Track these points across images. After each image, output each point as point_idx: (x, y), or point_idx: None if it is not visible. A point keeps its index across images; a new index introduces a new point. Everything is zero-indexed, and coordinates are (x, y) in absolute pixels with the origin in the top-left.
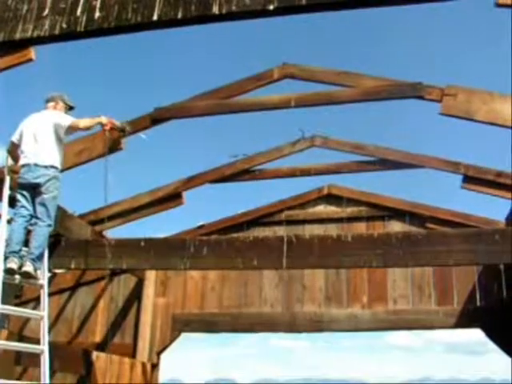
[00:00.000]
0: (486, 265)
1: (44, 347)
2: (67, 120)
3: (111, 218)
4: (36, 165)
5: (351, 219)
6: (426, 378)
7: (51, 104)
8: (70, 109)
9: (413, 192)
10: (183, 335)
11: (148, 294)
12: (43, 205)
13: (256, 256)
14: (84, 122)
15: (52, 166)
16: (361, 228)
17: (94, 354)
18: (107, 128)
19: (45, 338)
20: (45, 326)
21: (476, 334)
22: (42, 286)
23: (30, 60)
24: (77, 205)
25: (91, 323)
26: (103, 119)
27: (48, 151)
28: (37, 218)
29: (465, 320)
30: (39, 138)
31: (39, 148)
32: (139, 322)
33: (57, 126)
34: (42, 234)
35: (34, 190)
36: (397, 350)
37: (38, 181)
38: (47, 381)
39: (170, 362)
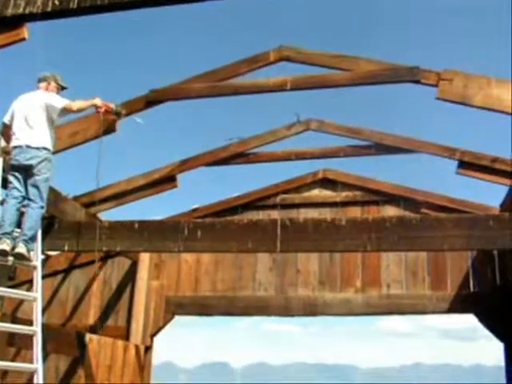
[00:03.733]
0: (479, 250)
1: (37, 329)
2: (60, 102)
3: (105, 200)
4: (28, 146)
5: (346, 203)
6: (418, 364)
7: (43, 84)
8: (62, 89)
9: (408, 177)
10: (177, 318)
11: (142, 277)
12: (35, 186)
13: (250, 239)
14: (78, 104)
15: (44, 148)
16: (355, 212)
17: (88, 336)
18: (101, 110)
19: (38, 319)
20: (38, 307)
21: (468, 320)
22: (35, 268)
23: (23, 39)
24: (71, 187)
25: (85, 306)
26: (97, 101)
27: (40, 133)
28: (29, 199)
29: (458, 305)
30: (31, 120)
31: (31, 129)
32: (133, 304)
33: (49, 107)
34: (34, 215)
35: (26, 171)
36: (389, 335)
37: (30, 162)
38: (40, 362)
39: (163, 345)
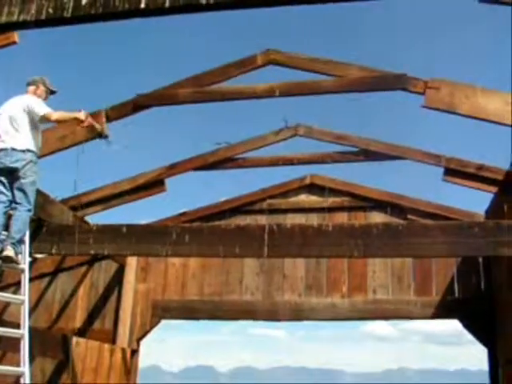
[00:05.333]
0: (464, 257)
1: (24, 332)
2: (42, 110)
3: (93, 203)
4: (13, 149)
5: (333, 209)
6: (403, 368)
7: (32, 88)
8: (51, 93)
9: (395, 183)
10: (163, 322)
11: (129, 280)
12: (21, 190)
13: (238, 244)
14: (57, 115)
15: (29, 150)
16: (342, 218)
17: (74, 339)
18: (84, 125)
19: (25, 322)
20: (25, 310)
21: (453, 325)
22: (23, 271)
23: (14, 43)
24: (59, 190)
25: (71, 309)
26: (81, 115)
27: (24, 135)
28: (16, 202)
29: (442, 311)
30: (16, 123)
31: (16, 132)
32: (119, 307)
33: (31, 112)
34: (21, 218)
35: (11, 174)
36: (373, 339)
37: (15, 165)
38: (27, 365)
39: (149, 348)
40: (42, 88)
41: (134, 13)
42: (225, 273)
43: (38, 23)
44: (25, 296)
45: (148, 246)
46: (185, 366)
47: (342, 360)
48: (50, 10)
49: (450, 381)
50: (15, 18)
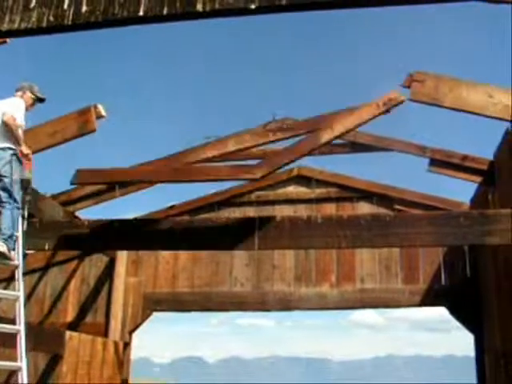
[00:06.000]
0: (451, 245)
1: (20, 327)
2: (8, 115)
3: (83, 198)
4: None
5: (320, 200)
6: (391, 355)
7: (19, 93)
8: (40, 101)
9: (382, 174)
10: (153, 315)
11: (119, 274)
12: (5, 189)
13: (228, 237)
14: (15, 128)
15: (9, 148)
16: (330, 209)
17: (67, 333)
18: (22, 158)
19: (21, 318)
20: (21, 306)
21: (439, 312)
22: (17, 267)
23: (4, 42)
24: (49, 186)
25: (63, 303)
26: (25, 149)
27: (5, 134)
28: (2, 202)
29: (430, 298)
30: None
31: None
32: (111, 301)
33: (3, 113)
34: (9, 215)
35: None
36: (361, 328)
37: None
38: (24, 360)
39: (139, 341)
40: (28, 94)
41: (133, 20)
42: (214, 265)
43: (39, 31)
44: (20, 292)
45: (139, 241)
46: (174, 358)
47: (330, 349)
48: (51, 18)
49: (437, 366)
50: (16, 25)
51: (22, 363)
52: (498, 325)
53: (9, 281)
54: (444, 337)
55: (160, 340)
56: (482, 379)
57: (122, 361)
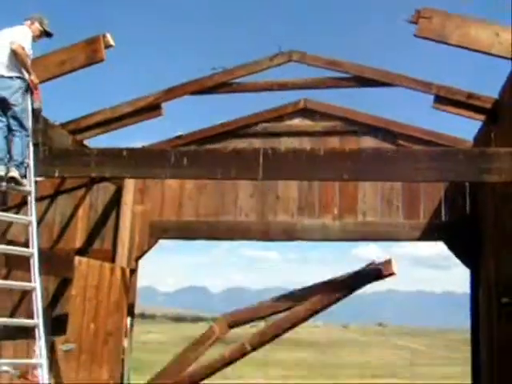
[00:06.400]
0: (451, 181)
1: (33, 250)
2: (16, 44)
3: (92, 127)
4: (1, 76)
5: (325, 133)
6: (391, 291)
7: (27, 22)
8: (47, 35)
9: (387, 110)
10: (159, 244)
11: (126, 202)
12: (15, 118)
13: (234, 167)
14: (23, 57)
15: (18, 77)
16: (334, 142)
17: (76, 258)
18: (32, 86)
19: (34, 242)
20: (33, 229)
21: (440, 249)
22: (29, 193)
23: None
24: (58, 114)
25: (71, 230)
26: (34, 79)
27: (13, 63)
28: (12, 130)
29: (429, 233)
30: (3, 51)
31: (5, 60)
32: (118, 228)
33: (11, 42)
34: (20, 143)
35: (2, 103)
36: (363, 263)
37: (3, 94)
38: (37, 281)
39: (144, 270)
40: (36, 25)
41: None
42: (220, 195)
43: None
44: (32, 217)
45: (148, 169)
46: (179, 287)
47: None
48: None
49: (437, 302)
50: None
51: (36, 284)
52: (493, 259)
53: (19, 207)
54: (444, 274)
55: (164, 270)
56: (476, 312)
57: (128, 286)
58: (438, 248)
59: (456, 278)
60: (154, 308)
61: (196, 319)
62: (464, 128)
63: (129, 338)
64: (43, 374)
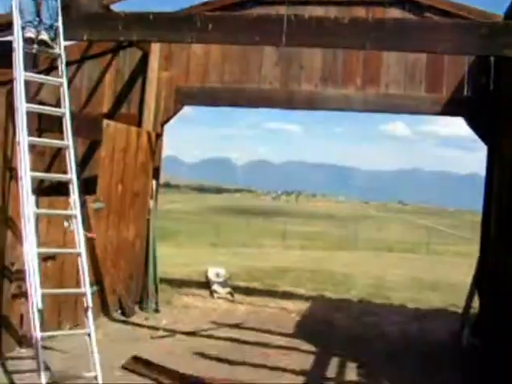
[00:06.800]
0: (477, 56)
1: (65, 110)
2: None
3: None
4: None
5: (352, 3)
6: (417, 169)
7: None
8: None
9: None
10: (182, 114)
11: (153, 68)
12: None
13: (258, 33)
14: None
15: None
16: (360, 12)
17: (105, 121)
18: None
19: (66, 102)
20: (65, 91)
21: (468, 129)
22: (59, 56)
23: None
24: None
25: (98, 95)
26: None
27: None
28: None
29: (450, 108)
30: None
31: None
32: (144, 93)
33: None
34: (50, 5)
35: None
36: (390, 139)
37: None
38: (70, 141)
39: (168, 140)
40: None
41: None
42: (245, 62)
43: None
44: (63, 79)
45: (174, 33)
46: (202, 158)
47: (357, 158)
48: None
49: (461, 183)
50: None
51: (69, 142)
52: (509, 139)
53: (48, 71)
54: (471, 155)
55: (189, 141)
56: (490, 192)
57: (154, 150)
58: (467, 128)
59: (483, 160)
60: (178, 178)
61: (219, 190)
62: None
63: (154, 200)
64: (78, 225)
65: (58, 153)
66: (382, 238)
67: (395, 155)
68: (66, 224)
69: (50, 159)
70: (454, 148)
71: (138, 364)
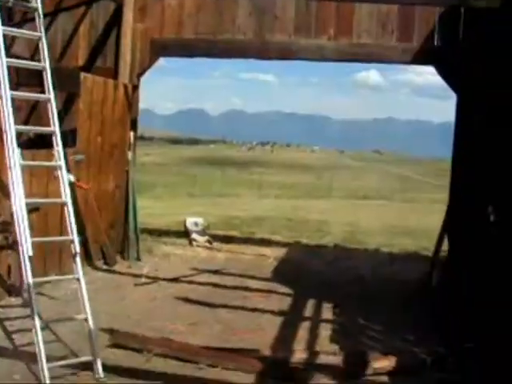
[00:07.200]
0: (447, 8)
1: (45, 64)
2: None
3: None
4: None
5: None
6: (391, 118)
7: None
8: None
9: None
10: (156, 67)
11: (127, 20)
12: None
13: None
14: None
15: None
16: None
17: (82, 75)
18: None
19: (45, 55)
20: (43, 45)
21: (439, 80)
22: (36, 9)
23: None
24: None
25: (73, 48)
26: None
27: None
28: None
29: (421, 57)
30: None
31: None
32: (120, 46)
33: None
34: None
35: None
36: (364, 89)
37: None
38: (52, 93)
39: (143, 93)
40: None
41: None
42: (219, 13)
43: None
44: (41, 33)
45: None
46: (176, 110)
47: (331, 107)
48: None
49: (434, 132)
50: None
51: (51, 95)
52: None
53: (21, 24)
54: (443, 104)
55: (162, 92)
56: (458, 139)
57: (131, 102)
58: (438, 78)
59: (454, 109)
60: (152, 131)
61: (194, 141)
62: None
63: (132, 151)
64: (63, 176)
65: (35, 108)
66: (357, 186)
67: (370, 105)
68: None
69: (27, 114)
70: (429, 97)
71: (123, 337)
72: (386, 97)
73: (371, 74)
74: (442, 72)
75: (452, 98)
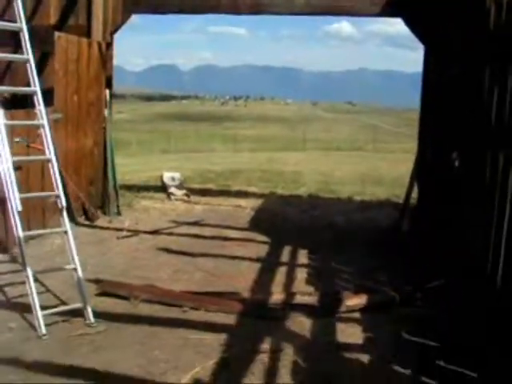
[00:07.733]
0: None
1: (22, 25)
2: None
3: None
4: None
5: None
6: (363, 69)
7: None
8: None
9: None
10: (129, 24)
11: None
12: None
13: None
14: None
15: None
16: None
17: (56, 34)
18: None
19: (21, 16)
20: (19, 5)
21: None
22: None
23: None
24: None
25: (44, 6)
26: None
27: None
28: None
29: (389, 9)
30: None
31: None
32: (91, 3)
33: None
34: None
35: None
36: (336, 40)
37: None
38: (30, 54)
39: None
40: None
41: None
42: None
43: None
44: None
45: None
46: (147, 66)
47: (304, 60)
48: None
49: (406, 81)
50: None
51: (29, 56)
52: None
53: None
54: (415, 54)
55: (132, 49)
56: (426, 89)
57: (105, 60)
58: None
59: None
60: (123, 88)
61: (166, 98)
62: None
63: (109, 108)
64: (46, 134)
65: (8, 68)
66: (330, 138)
67: (342, 56)
68: (16, 139)
69: (1, 74)
70: (402, 47)
71: (109, 286)
72: (359, 48)
73: (343, 25)
74: (410, 24)
75: (421, 49)
